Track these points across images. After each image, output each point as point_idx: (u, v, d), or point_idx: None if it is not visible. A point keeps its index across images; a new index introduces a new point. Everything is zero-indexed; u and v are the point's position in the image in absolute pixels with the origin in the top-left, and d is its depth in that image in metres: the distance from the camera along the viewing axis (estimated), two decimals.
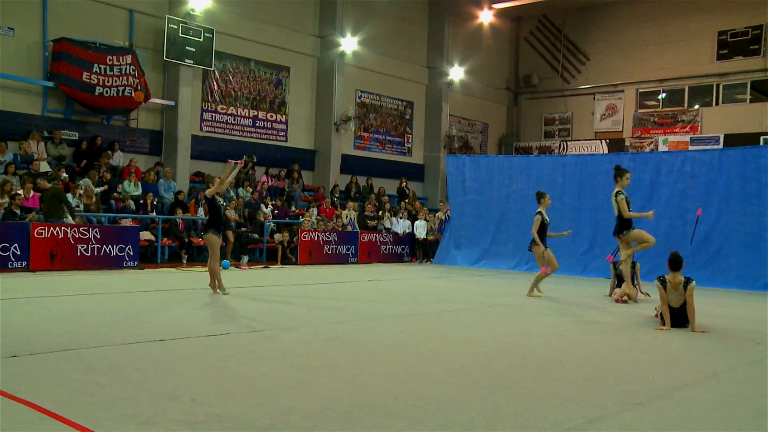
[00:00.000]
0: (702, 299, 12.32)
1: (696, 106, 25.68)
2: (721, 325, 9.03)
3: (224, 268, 14.89)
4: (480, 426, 4.28)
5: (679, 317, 8.44)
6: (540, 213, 11.67)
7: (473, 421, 4.36)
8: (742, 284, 14.24)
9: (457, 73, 26.08)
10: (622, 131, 27.10)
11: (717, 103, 25.31)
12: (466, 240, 19.44)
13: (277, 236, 17.64)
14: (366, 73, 23.82)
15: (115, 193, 16.28)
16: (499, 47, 28.87)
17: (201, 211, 16.98)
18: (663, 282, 8.48)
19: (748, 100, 24.80)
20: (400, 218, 20.62)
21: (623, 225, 11.03)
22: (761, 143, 20.89)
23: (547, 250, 11.68)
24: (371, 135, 24.42)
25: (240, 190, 18.80)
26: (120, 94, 16.94)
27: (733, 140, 22.46)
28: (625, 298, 11.12)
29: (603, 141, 26.46)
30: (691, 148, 23.01)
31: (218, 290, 10.55)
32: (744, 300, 12.47)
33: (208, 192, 10.83)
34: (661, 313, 8.61)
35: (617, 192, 11.08)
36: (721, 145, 22.67)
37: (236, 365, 5.66)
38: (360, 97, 23.93)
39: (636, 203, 16.44)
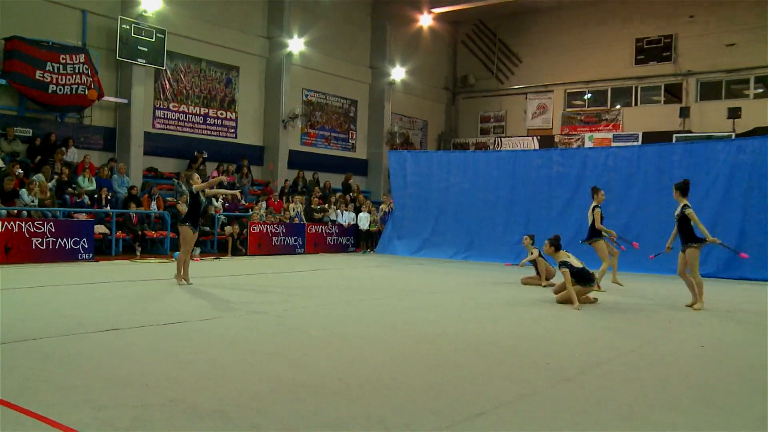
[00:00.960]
0: (625, 281, 12.69)
1: (617, 106, 26.29)
2: (638, 305, 9.32)
3: (176, 259, 14.66)
4: (419, 402, 4.33)
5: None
6: (598, 207, 11.38)
7: (413, 399, 4.40)
8: (658, 268, 14.64)
9: (398, 74, 26.14)
10: (551, 128, 27.55)
11: (636, 104, 25.97)
12: (407, 231, 19.52)
13: (228, 228, 17.46)
14: (312, 73, 23.69)
15: (69, 188, 15.87)
16: (438, 49, 29.02)
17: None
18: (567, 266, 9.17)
19: (662, 102, 25.52)
20: (345, 211, 20.60)
21: (593, 234, 11.24)
22: (674, 141, 21.49)
23: (600, 242, 11.38)
24: (317, 132, 24.30)
25: None
26: (73, 92, 16.50)
27: (650, 138, 23.05)
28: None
29: (534, 137, 26.86)
30: (613, 144, 23.51)
31: (182, 281, 10.37)
32: (660, 282, 12.85)
33: (196, 187, 10.36)
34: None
35: (594, 206, 11.31)
36: (639, 142, 23.23)
37: (188, 352, 5.60)
38: (306, 96, 23.79)
39: (564, 195, 16.91)
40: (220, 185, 11.81)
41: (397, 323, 7.37)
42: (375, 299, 9.39)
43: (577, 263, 9.38)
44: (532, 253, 12.13)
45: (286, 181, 21.65)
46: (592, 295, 9.73)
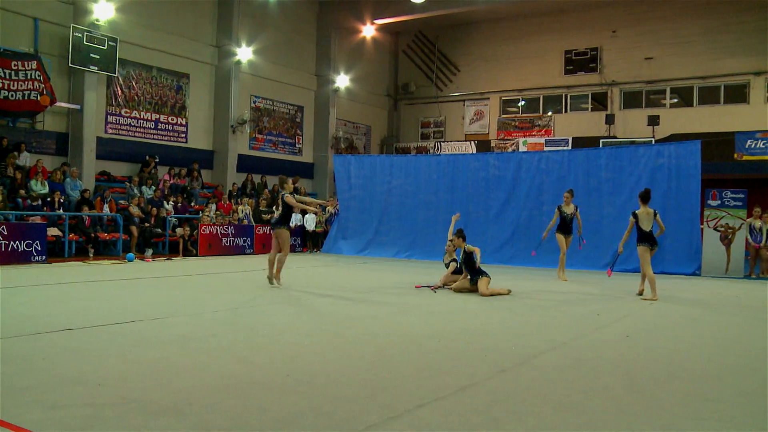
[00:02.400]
0: (552, 278, 12.94)
1: (549, 113, 26.80)
2: (569, 300, 9.52)
3: (129, 261, 14.34)
4: (363, 397, 4.31)
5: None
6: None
7: (357, 393, 4.39)
8: (587, 265, 15.01)
9: (342, 81, 26.09)
10: (488, 133, 27.89)
11: (566, 111, 26.51)
12: (352, 231, 19.49)
13: (179, 230, 17.14)
14: (260, 80, 23.44)
15: (22, 191, 15.32)
16: (380, 58, 29.07)
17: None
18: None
19: (590, 109, 26.13)
20: (293, 213, 20.40)
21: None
22: (600, 145, 22.05)
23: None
24: (265, 136, 24.05)
25: (143, 188, 18.11)
26: (25, 97, 15.94)
27: (579, 142, 23.55)
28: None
29: (472, 142, 27.13)
30: (545, 148, 23.92)
31: (275, 282, 10.48)
32: (588, 278, 13.15)
33: (288, 198, 10.52)
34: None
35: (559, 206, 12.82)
36: (569, 147, 23.69)
37: (139, 351, 5.46)
38: (255, 102, 23.52)
39: (500, 196, 17.13)
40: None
41: (344, 320, 7.34)
42: (322, 297, 9.33)
43: (477, 258, 10.06)
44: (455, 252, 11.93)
45: (234, 184, 21.36)
46: (505, 287, 10.24)
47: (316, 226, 20.23)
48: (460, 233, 10.46)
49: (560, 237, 12.92)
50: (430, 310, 8.31)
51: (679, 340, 6.61)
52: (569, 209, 12.96)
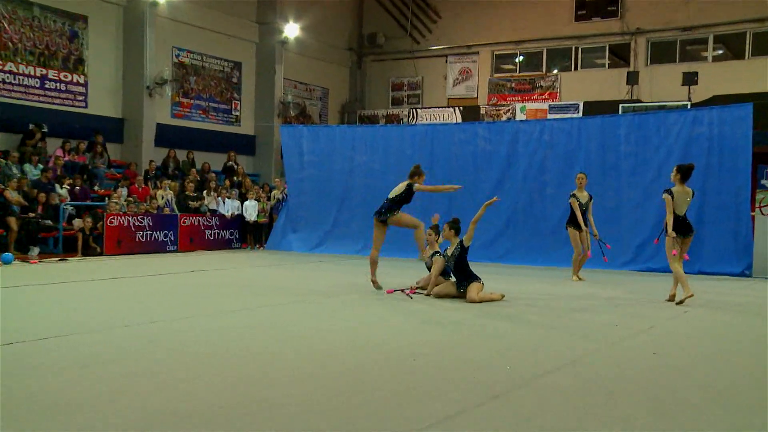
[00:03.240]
0: (555, 281, 13.04)
1: (554, 71, 26.96)
2: (581, 307, 9.58)
3: (5, 263, 14.02)
4: (330, 430, 4.28)
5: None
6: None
7: (323, 425, 4.35)
8: (602, 263, 15.09)
9: (292, 30, 25.91)
10: (476, 98, 27.98)
11: (576, 68, 26.69)
12: (304, 222, 19.46)
13: (77, 222, 16.89)
14: (184, 28, 23.17)
15: None
16: (340, 1, 28.95)
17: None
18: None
19: (607, 65, 26.34)
20: (228, 198, 20.30)
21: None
22: (620, 111, 22.15)
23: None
24: (192, 101, 23.83)
25: (27, 166, 17.72)
26: None
27: (592, 108, 23.67)
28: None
29: (456, 108, 27.18)
30: (549, 116, 24.05)
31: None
32: (605, 279, 13.26)
33: (417, 187, 11.01)
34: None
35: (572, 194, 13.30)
36: (580, 114, 23.88)
37: (35, 379, 5.35)
38: (178, 56, 23.26)
39: (492, 177, 17.22)
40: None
41: (297, 334, 7.30)
42: (267, 306, 9.28)
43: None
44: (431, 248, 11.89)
45: (152, 162, 21.12)
46: (497, 292, 10.30)
47: (258, 216, 20.13)
48: (453, 224, 10.48)
49: (574, 233, 13.06)
50: (407, 321, 8.31)
51: (719, 358, 6.67)
52: (584, 196, 13.09)
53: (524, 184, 16.89)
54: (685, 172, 10.26)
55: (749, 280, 13.91)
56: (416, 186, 11.05)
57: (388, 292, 10.67)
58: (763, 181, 14.87)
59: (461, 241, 10.29)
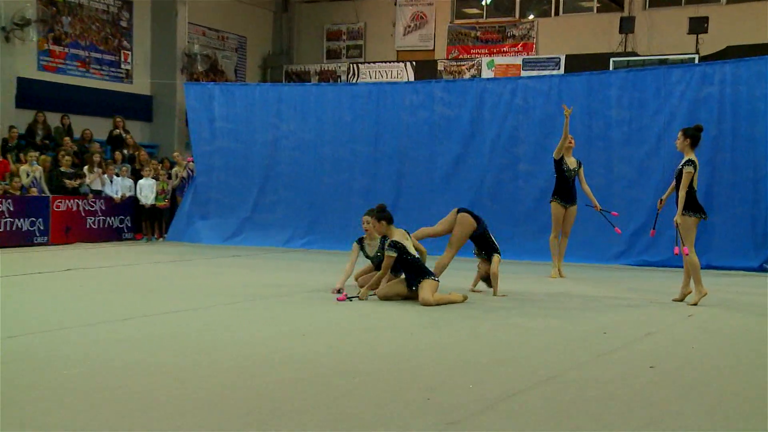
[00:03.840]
0: (530, 277, 13.10)
1: (530, 17, 27.10)
2: (564, 309, 9.63)
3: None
4: None
5: None
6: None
7: None
8: (588, 256, 15.23)
9: None
10: (433, 50, 28.02)
11: (557, 13, 26.88)
12: (216, 207, 19.37)
13: None
14: None
15: None
16: None
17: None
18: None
19: (595, 10, 26.56)
20: (117, 176, 20.00)
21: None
22: (611, 67, 22.33)
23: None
24: (67, 50, 23.43)
25: None
26: None
27: (576, 63, 23.83)
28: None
29: (408, 63, 27.20)
30: (523, 73, 24.17)
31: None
32: (592, 275, 13.37)
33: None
34: None
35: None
36: (561, 70, 24.03)
37: None
38: None
39: (452, 150, 17.26)
40: None
41: (204, 347, 7.21)
42: (169, 313, 9.19)
43: (413, 251, 10.24)
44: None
45: (12, 128, 20.68)
46: (457, 293, 10.42)
47: (156, 199, 19.89)
48: (380, 213, 10.47)
49: (556, 207, 13.11)
50: (343, 329, 8.28)
51: (733, 374, 6.72)
52: (571, 162, 13.15)
53: (492, 159, 16.95)
54: (695, 137, 10.34)
55: None
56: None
57: (338, 300, 10.47)
58: None
59: (391, 236, 10.33)
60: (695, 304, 10.01)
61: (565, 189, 13.10)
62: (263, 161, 19.03)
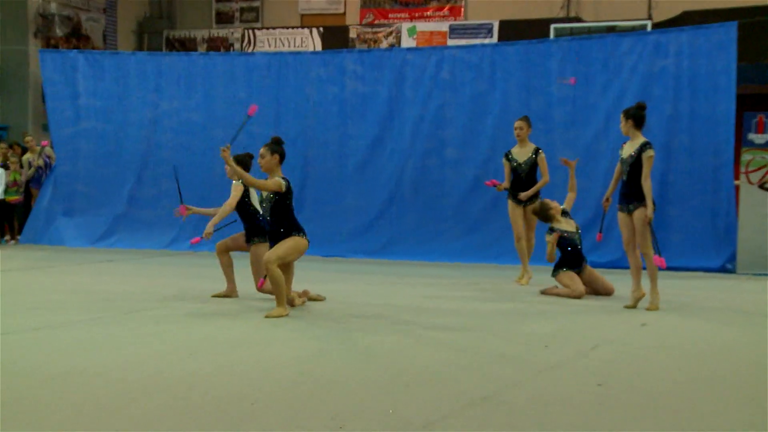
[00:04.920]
0: (458, 282, 13.24)
1: None
2: (500, 315, 9.78)
3: None
4: None
5: None
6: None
7: None
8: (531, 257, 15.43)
9: None
10: (344, 14, 27.97)
11: None
12: (82, 201, 19.19)
13: None
14: None
15: None
16: None
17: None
18: None
19: None
20: None
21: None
22: (551, 35, 22.51)
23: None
24: None
25: None
26: None
27: (511, 30, 23.98)
28: None
29: (314, 30, 27.14)
30: (450, 42, 24.26)
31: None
32: (536, 278, 13.55)
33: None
34: None
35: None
36: (494, 39, 24.16)
37: None
38: None
39: (367, 133, 17.32)
40: None
41: (66, 372, 7.15)
42: (19, 333, 9.04)
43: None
44: None
45: None
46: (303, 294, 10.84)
47: (7, 192, 19.57)
48: (276, 145, 10.58)
49: (510, 206, 13.26)
50: (235, 343, 8.28)
51: (692, 391, 6.84)
52: (523, 154, 13.27)
53: (414, 144, 17.08)
54: (638, 117, 10.66)
55: (733, 278, 14.42)
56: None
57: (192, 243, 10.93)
58: (752, 136, 15.13)
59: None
60: (656, 309, 10.35)
61: (517, 185, 13.23)
62: (140, 146, 18.92)
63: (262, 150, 10.49)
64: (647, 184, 10.37)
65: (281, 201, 10.19)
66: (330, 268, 15.07)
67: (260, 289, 10.92)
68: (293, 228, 10.24)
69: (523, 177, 13.20)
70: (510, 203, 13.30)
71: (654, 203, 10.48)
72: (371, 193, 17.05)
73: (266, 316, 9.75)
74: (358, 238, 16.56)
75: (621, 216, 10.72)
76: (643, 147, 10.44)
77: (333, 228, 17.09)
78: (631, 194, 10.54)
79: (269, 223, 10.34)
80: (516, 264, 13.87)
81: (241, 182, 10.76)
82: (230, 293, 11.54)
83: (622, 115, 10.74)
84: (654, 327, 9.53)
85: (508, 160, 13.27)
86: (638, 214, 10.45)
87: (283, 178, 10.16)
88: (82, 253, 17.53)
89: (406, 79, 17.24)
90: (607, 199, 11.11)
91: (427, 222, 16.46)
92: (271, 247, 10.11)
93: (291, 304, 10.31)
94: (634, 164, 10.47)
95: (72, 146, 19.35)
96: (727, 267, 14.93)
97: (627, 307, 10.69)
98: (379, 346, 8.37)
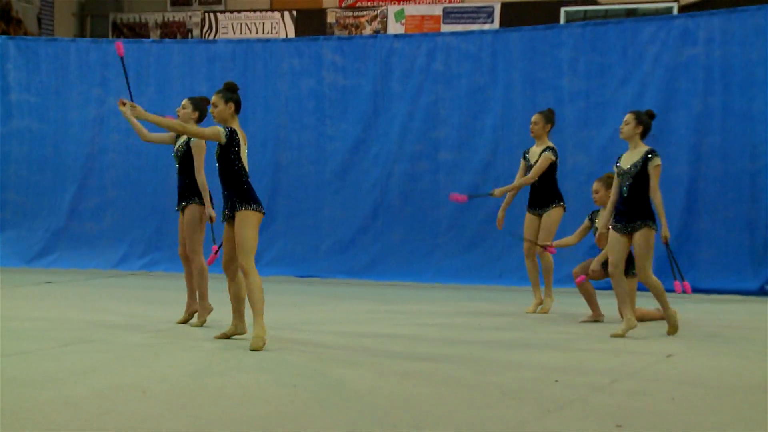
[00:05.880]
0: (454, 306, 13.27)
1: None
2: (504, 347, 9.82)
3: None
4: None
5: None
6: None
7: None
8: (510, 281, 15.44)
9: None
10: None
11: None
12: (15, 214, 19.17)
13: None
14: None
15: None
16: None
17: None
18: None
19: None
20: None
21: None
22: (561, 20, 22.53)
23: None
24: None
25: None
26: None
27: (514, 14, 24.06)
28: None
29: (286, 14, 27.17)
30: (444, 28, 24.31)
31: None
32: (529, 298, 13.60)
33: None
34: None
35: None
36: (495, 25, 24.23)
37: None
38: None
39: (349, 133, 17.34)
40: None
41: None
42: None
43: (245, 158, 10.29)
44: None
45: None
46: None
47: None
48: (230, 92, 10.39)
49: (530, 220, 13.21)
50: (194, 377, 8.31)
51: None
52: (534, 153, 13.12)
53: (402, 146, 17.12)
54: (648, 125, 10.82)
55: None
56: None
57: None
58: None
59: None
60: (622, 336, 10.45)
61: (530, 189, 13.16)
62: (83, 149, 18.90)
63: (214, 98, 10.31)
64: (658, 197, 10.49)
65: (225, 156, 10.06)
66: (305, 290, 15.12)
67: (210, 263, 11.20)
68: (248, 197, 10.11)
69: (537, 182, 13.01)
70: (527, 215, 13.14)
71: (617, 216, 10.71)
72: (353, 204, 17.04)
73: (251, 349, 9.71)
74: (337, 255, 16.57)
75: (614, 236, 10.73)
76: (649, 155, 10.55)
77: (309, 244, 17.17)
78: (634, 212, 10.60)
79: (223, 187, 10.23)
80: (522, 285, 13.90)
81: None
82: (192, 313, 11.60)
83: (632, 117, 10.77)
84: (682, 358, 9.54)
85: (524, 159, 13.17)
86: (645, 233, 10.52)
87: (226, 128, 10.05)
88: (14, 274, 17.42)
89: (393, 71, 17.26)
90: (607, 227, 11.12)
91: (418, 237, 16.45)
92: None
93: (193, 312, 10.94)
94: (639, 175, 10.55)
95: (1, 149, 19.23)
96: (767, 289, 14.91)
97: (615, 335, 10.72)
98: (357, 383, 8.40)
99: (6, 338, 10.42)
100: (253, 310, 9.80)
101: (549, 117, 13.11)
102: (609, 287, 12.42)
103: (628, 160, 10.67)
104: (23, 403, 7.40)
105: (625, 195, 10.59)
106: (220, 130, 9.88)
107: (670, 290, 10.78)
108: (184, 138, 11.15)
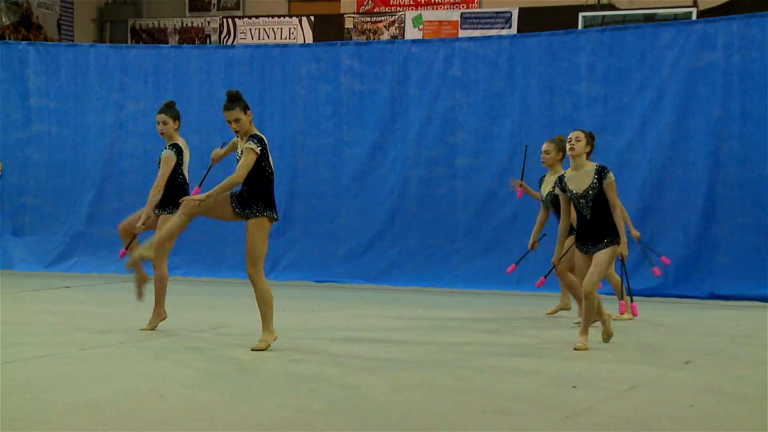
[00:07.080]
0: (473, 312, 13.24)
1: None
2: (510, 356, 9.79)
3: None
4: None
5: None
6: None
7: None
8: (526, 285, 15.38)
9: None
10: (338, 1, 28.04)
11: None
12: (34, 218, 19.19)
13: None
14: None
15: None
16: None
17: None
18: None
19: None
20: None
21: None
22: (580, 26, 22.49)
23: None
24: None
25: None
26: None
27: (532, 20, 24.02)
28: None
29: (304, 19, 27.18)
30: (462, 34, 24.27)
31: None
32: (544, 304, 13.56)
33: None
34: None
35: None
36: (513, 30, 24.20)
37: None
38: None
39: (366, 138, 17.29)
40: None
41: (16, 415, 7.18)
42: None
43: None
44: None
45: None
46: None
47: None
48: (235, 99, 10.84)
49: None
50: (213, 381, 8.30)
51: None
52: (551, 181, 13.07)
53: (419, 152, 17.05)
54: (593, 145, 10.96)
55: None
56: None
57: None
58: None
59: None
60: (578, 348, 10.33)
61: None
62: (101, 154, 18.89)
63: (234, 113, 10.84)
64: (618, 212, 10.56)
65: (257, 164, 10.57)
66: (322, 295, 15.12)
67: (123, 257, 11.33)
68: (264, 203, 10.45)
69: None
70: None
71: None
72: (370, 209, 17.02)
73: (252, 349, 9.77)
74: (355, 260, 16.54)
75: (582, 258, 10.72)
76: (602, 173, 10.59)
77: (326, 249, 17.15)
78: (600, 232, 10.55)
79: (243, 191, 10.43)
80: (538, 291, 13.83)
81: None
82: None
83: (582, 134, 10.78)
84: (700, 365, 9.55)
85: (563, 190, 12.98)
86: (611, 250, 10.50)
87: (253, 139, 10.60)
88: (33, 279, 17.53)
89: (411, 77, 17.21)
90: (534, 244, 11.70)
91: (435, 242, 16.43)
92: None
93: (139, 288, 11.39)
94: (598, 197, 10.54)
95: (21, 154, 19.29)
96: None
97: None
98: (373, 389, 8.39)
99: (24, 342, 10.49)
100: (261, 315, 9.94)
101: (560, 145, 12.90)
102: (609, 291, 12.57)
103: (580, 182, 10.64)
104: (40, 406, 7.44)
105: (588, 218, 10.58)
106: (256, 151, 10.48)
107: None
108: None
